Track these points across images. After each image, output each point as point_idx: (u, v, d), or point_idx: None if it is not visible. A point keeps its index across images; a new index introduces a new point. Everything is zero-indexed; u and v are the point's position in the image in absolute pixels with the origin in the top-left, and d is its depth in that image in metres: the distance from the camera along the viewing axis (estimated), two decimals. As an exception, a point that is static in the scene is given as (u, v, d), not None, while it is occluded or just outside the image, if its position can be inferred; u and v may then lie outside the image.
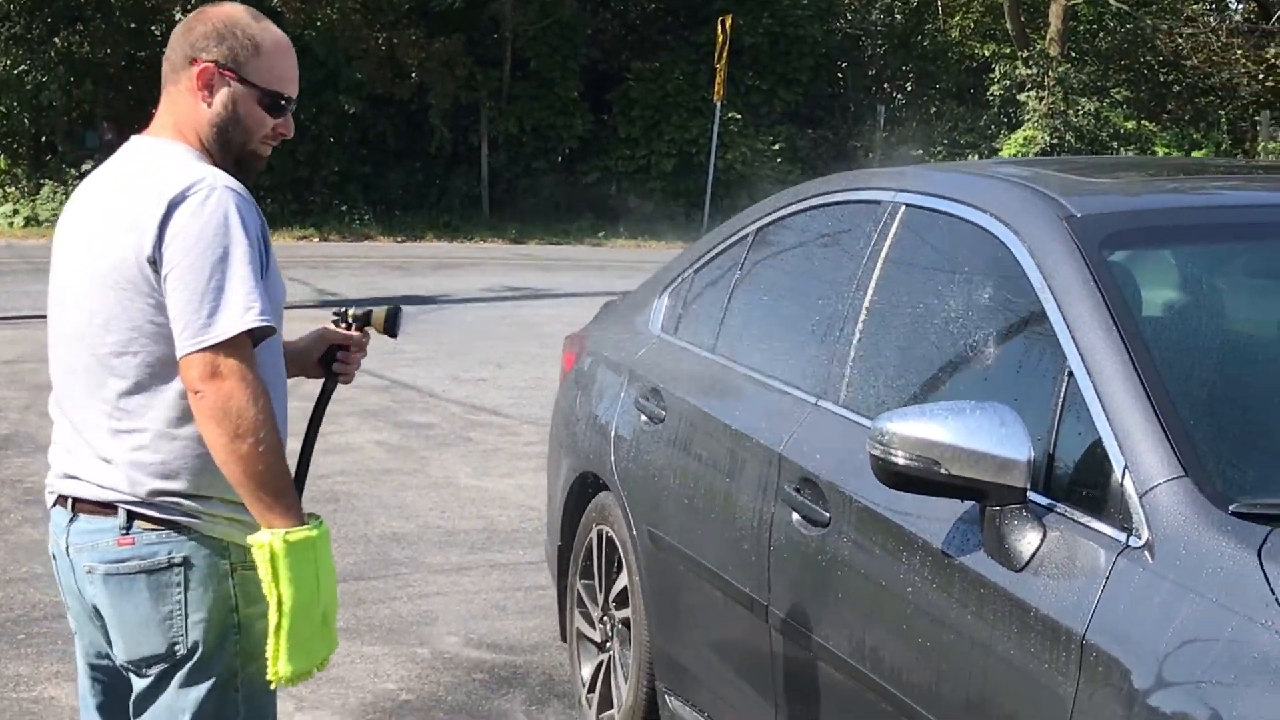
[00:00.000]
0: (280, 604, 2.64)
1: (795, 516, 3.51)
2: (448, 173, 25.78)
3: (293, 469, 2.79)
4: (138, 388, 2.75)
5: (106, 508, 2.79)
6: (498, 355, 12.62)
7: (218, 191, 2.67)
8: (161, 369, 2.73)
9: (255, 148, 2.85)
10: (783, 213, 4.30)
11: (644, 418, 4.44)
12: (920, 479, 2.86)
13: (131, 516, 2.77)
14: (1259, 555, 2.45)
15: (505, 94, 25.90)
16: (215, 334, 2.61)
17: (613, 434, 4.60)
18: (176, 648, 2.77)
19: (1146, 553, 2.61)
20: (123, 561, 2.77)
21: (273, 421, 2.64)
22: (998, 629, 2.79)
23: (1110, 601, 2.61)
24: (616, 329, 4.97)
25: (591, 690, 4.81)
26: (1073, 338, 2.97)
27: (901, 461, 2.86)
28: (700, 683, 4.10)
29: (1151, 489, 2.66)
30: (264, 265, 2.70)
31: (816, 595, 3.41)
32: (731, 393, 4.10)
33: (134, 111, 22.93)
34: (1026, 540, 2.80)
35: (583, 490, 4.85)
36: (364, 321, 3.20)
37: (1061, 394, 2.94)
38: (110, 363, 2.76)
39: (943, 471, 2.82)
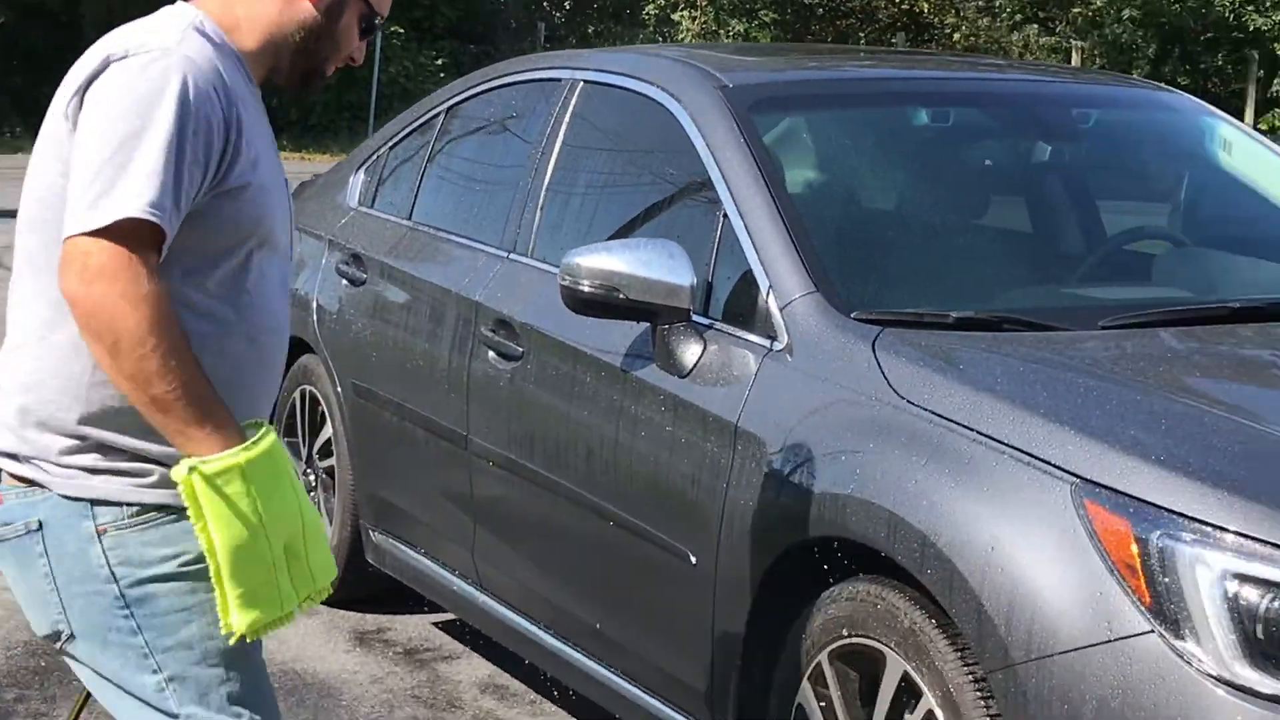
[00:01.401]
0: (211, 548, 2.14)
1: (491, 354, 4.02)
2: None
3: None
4: (31, 271, 2.28)
5: None
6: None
7: (172, 59, 2.18)
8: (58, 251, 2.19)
9: (328, 66, 2.48)
10: (473, 91, 4.77)
11: (345, 282, 4.86)
12: (602, 304, 3.39)
13: None
14: (873, 348, 3.06)
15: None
16: (93, 219, 2.10)
17: (315, 300, 5.00)
18: (61, 629, 2.29)
19: (786, 354, 3.21)
20: None
21: (167, 328, 2.10)
22: (671, 425, 3.36)
23: (757, 394, 3.21)
24: (314, 204, 5.35)
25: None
26: (726, 186, 3.54)
27: (587, 290, 3.38)
28: (403, 515, 4.58)
29: (789, 303, 3.25)
30: (210, 164, 2.19)
31: (512, 419, 3.92)
32: (429, 254, 4.56)
33: None
34: (690, 352, 3.37)
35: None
36: None
37: (719, 233, 3.51)
38: (21, 241, 2.32)
39: (621, 297, 3.35)
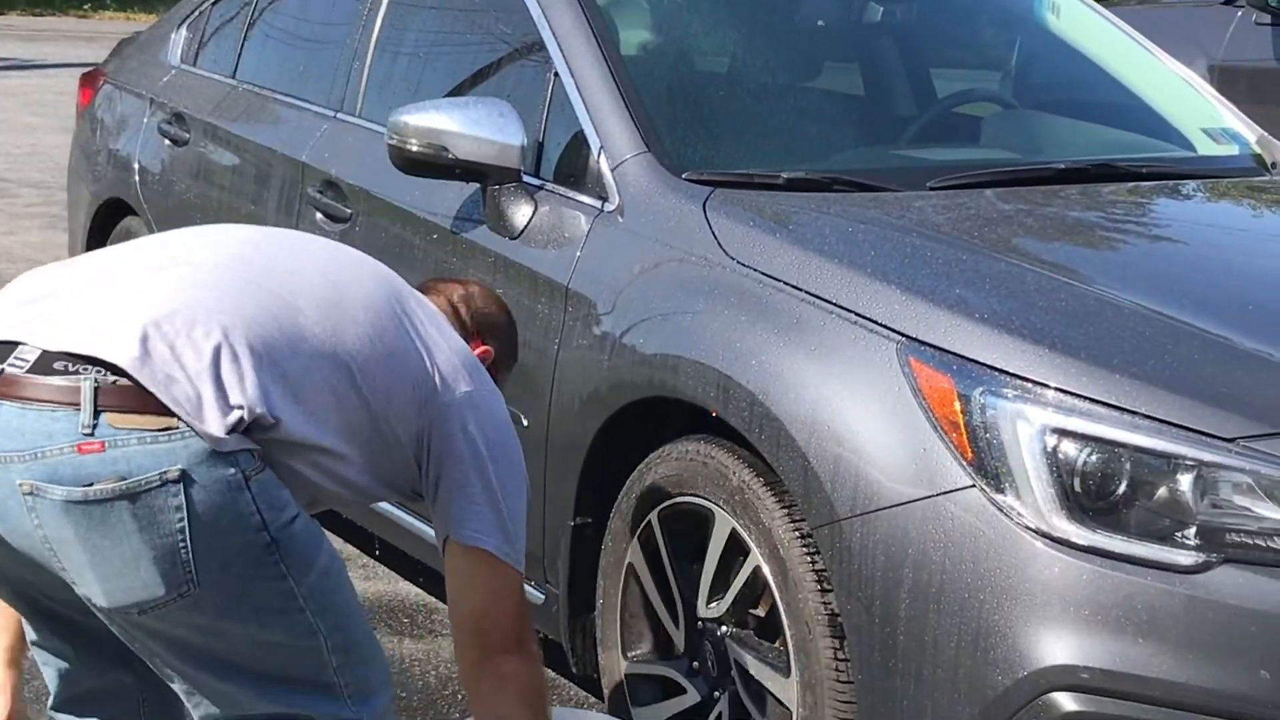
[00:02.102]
0: None
1: (319, 215, 3.93)
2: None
3: None
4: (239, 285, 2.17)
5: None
6: (-13, 123, 12.25)
7: None
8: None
9: None
10: (298, -55, 4.62)
11: (168, 142, 4.71)
12: (431, 163, 3.32)
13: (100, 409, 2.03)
14: (704, 208, 3.05)
15: None
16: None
17: (136, 160, 4.85)
18: (178, 590, 2.07)
19: (617, 215, 3.18)
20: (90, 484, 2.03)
21: None
22: (502, 288, 3.31)
23: (588, 255, 3.18)
24: (135, 62, 5.18)
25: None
26: (558, 45, 3.47)
27: (415, 149, 3.31)
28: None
29: (621, 163, 3.22)
30: None
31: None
32: (254, 113, 4.44)
33: None
34: (521, 213, 3.32)
35: (108, 216, 5.08)
36: None
37: (550, 92, 3.45)
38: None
39: (450, 156, 3.29)
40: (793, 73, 3.83)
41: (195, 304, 2.11)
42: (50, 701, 2.47)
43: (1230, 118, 3.98)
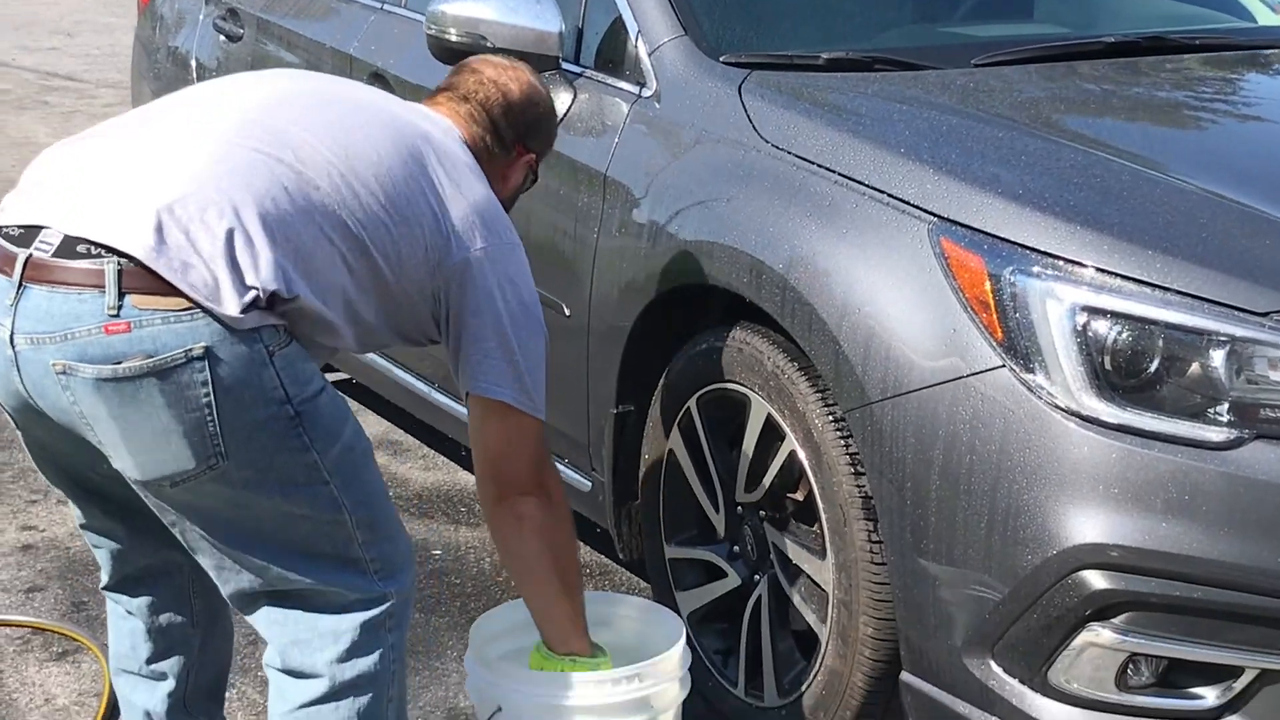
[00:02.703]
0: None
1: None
2: None
3: None
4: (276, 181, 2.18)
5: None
6: (66, 25, 12.36)
7: None
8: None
9: None
10: None
11: (222, 38, 4.72)
12: (470, 52, 3.28)
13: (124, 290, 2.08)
14: (739, 91, 3.01)
15: None
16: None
17: (193, 57, 4.87)
18: (208, 463, 2.13)
19: (655, 100, 3.15)
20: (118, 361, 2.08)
21: None
22: (542, 178, 3.30)
23: (625, 142, 3.16)
24: (190, -41, 5.18)
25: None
26: (596, -72, 3.42)
27: (454, 38, 3.29)
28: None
29: (658, 48, 3.18)
30: None
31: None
32: (304, 7, 4.43)
33: None
34: (561, 101, 3.30)
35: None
36: None
37: (587, -23, 3.41)
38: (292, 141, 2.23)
39: (488, 45, 3.26)
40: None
41: (208, 183, 2.13)
42: (102, 582, 2.56)
43: (1294, -14, 3.87)
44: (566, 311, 3.23)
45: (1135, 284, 2.39)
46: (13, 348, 2.11)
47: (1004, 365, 2.43)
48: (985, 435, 2.43)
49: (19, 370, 2.12)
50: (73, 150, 2.27)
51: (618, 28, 3.30)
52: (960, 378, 2.47)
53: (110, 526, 2.47)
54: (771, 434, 2.83)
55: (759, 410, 2.84)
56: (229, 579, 2.27)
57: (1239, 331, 2.34)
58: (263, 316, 2.11)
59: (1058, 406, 2.38)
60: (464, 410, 3.65)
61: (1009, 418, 2.41)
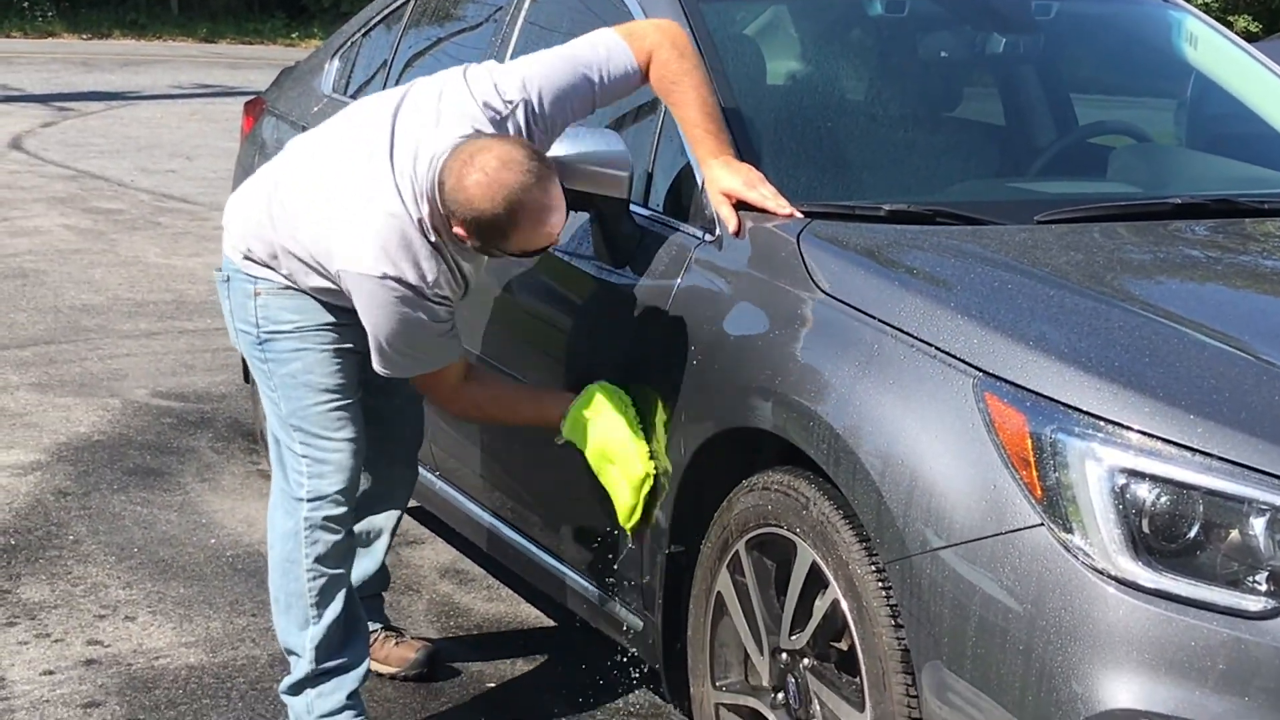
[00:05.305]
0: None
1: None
2: (133, -30, 25.04)
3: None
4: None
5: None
6: (187, 149, 12.71)
7: None
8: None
9: None
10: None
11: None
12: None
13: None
14: (797, 240, 3.05)
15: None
16: None
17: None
18: (239, 347, 3.49)
19: (716, 246, 3.20)
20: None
21: None
22: (605, 313, 3.36)
23: (687, 283, 3.20)
24: (293, 91, 5.35)
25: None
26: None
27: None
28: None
29: (724, 195, 3.23)
30: None
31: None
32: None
33: None
34: (627, 242, 3.37)
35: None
36: None
37: (660, 124, 3.49)
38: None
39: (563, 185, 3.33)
40: (904, 102, 3.81)
41: (255, 221, 3.38)
42: None
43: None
44: (624, 450, 3.26)
45: (1177, 448, 2.38)
46: None
47: (1042, 524, 2.42)
48: (1022, 594, 2.42)
49: None
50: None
51: (687, 174, 3.36)
52: (999, 534, 2.46)
53: None
54: (816, 581, 2.83)
55: (804, 556, 2.84)
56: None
57: (1280, 500, 2.32)
58: (262, 269, 3.34)
59: (1095, 568, 2.37)
60: (531, 546, 3.73)
61: (1046, 577, 2.40)
